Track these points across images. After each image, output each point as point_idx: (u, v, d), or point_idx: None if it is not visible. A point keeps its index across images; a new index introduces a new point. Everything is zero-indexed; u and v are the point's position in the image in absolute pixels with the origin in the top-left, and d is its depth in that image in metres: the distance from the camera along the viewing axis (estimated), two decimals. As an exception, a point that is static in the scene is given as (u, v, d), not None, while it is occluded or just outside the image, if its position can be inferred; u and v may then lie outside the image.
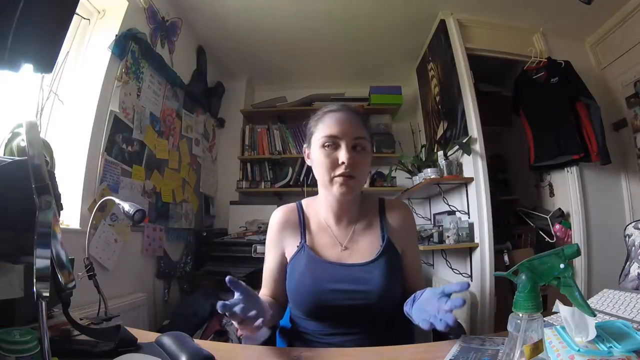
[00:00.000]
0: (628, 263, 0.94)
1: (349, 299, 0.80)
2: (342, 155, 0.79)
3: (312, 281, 0.82)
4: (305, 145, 0.92)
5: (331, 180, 0.82)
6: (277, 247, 0.91)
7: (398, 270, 0.86)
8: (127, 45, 1.80)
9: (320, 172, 0.84)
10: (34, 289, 0.48)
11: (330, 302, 0.81)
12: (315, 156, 0.85)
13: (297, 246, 0.88)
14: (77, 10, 1.55)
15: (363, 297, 0.80)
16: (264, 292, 0.93)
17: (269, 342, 1.01)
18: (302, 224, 0.90)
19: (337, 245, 0.87)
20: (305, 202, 0.96)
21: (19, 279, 0.61)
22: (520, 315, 0.45)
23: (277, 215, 0.93)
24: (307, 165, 0.91)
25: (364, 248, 0.86)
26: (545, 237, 2.17)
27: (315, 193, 0.96)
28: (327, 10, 2.27)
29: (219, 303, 0.61)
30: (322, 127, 0.84)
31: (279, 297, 0.92)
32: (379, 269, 0.82)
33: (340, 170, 0.80)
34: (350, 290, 0.81)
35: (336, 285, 0.81)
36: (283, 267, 0.91)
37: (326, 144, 0.82)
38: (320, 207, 0.92)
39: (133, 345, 0.68)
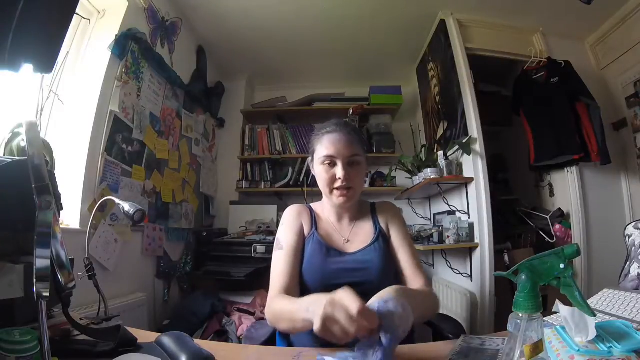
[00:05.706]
0: (628, 263, 0.95)
1: (351, 277, 0.90)
2: (339, 172, 0.94)
3: (321, 261, 0.94)
4: (309, 159, 1.07)
5: (331, 191, 0.97)
6: (296, 222, 1.02)
7: (390, 252, 1.01)
8: (127, 45, 1.80)
9: (321, 184, 1.00)
10: (34, 289, 0.48)
11: (335, 280, 0.89)
12: (317, 171, 1.01)
13: (310, 233, 1.01)
14: (77, 10, 1.56)
15: (364, 275, 0.92)
16: (281, 286, 0.90)
17: (269, 342, 1.01)
18: (313, 218, 1.05)
19: (340, 238, 1.02)
20: (312, 205, 1.12)
21: (19, 279, 0.61)
22: (520, 315, 0.46)
23: (293, 207, 1.08)
24: (307, 166, 0.97)
25: (362, 238, 1.01)
26: (545, 237, 2.17)
27: (315, 192, 1.00)
28: (327, 10, 2.27)
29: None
30: (321, 147, 0.97)
31: (293, 286, 0.91)
32: (375, 251, 0.97)
33: (338, 184, 0.95)
34: (352, 269, 0.93)
35: (340, 265, 0.94)
36: (302, 240, 0.99)
37: (325, 162, 0.96)
38: (325, 209, 1.07)
39: (133, 345, 0.68)
